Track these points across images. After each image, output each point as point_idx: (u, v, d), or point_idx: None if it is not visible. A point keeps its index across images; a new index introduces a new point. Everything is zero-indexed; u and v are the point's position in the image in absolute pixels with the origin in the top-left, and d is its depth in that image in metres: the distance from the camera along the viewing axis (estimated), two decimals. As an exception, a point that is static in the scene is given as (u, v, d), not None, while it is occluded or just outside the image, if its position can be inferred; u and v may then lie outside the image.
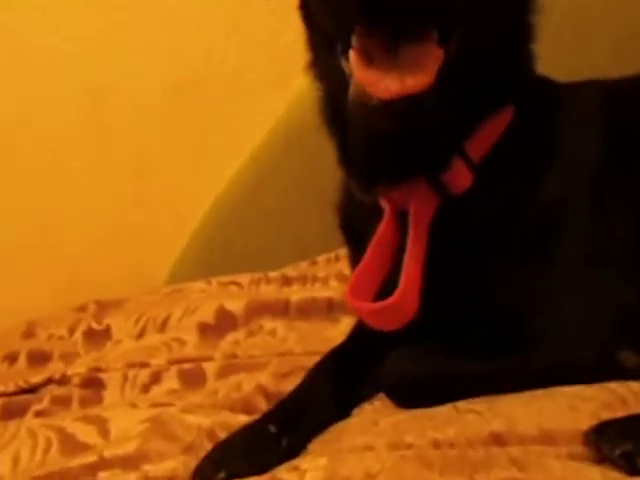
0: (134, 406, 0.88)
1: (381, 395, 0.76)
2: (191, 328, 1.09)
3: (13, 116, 1.39)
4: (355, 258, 0.80)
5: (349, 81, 0.62)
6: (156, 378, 0.96)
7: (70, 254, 1.39)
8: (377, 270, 0.72)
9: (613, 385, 0.64)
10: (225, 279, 1.23)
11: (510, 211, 0.70)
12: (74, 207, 1.38)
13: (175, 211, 1.33)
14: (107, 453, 0.74)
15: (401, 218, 0.73)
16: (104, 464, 0.72)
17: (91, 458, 0.74)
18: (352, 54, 0.61)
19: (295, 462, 0.66)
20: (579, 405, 0.61)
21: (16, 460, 0.79)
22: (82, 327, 1.21)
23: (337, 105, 0.72)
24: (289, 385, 0.84)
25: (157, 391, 0.94)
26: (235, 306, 1.10)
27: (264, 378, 0.87)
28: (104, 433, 0.81)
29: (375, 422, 0.71)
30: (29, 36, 1.34)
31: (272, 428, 0.71)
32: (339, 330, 0.98)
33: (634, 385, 0.63)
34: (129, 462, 0.72)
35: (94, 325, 1.20)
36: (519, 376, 0.68)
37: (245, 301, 1.10)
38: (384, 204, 0.75)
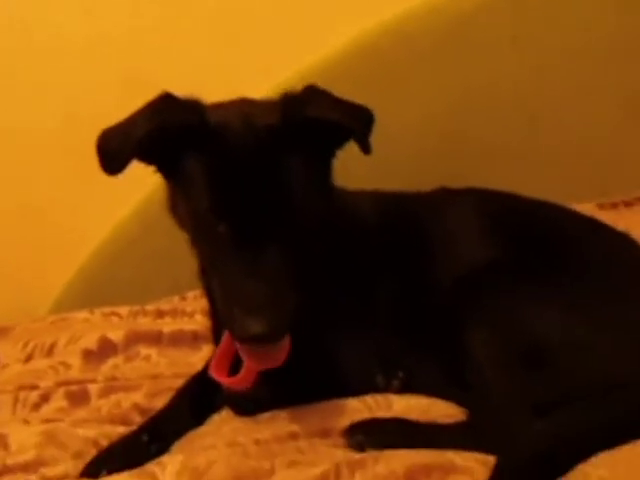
0: (27, 422, 1.07)
1: (227, 407, 1.04)
2: (76, 354, 1.29)
3: None
4: (214, 314, 1.07)
5: None
6: (45, 398, 1.15)
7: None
8: (231, 348, 0.95)
9: (368, 398, 0.98)
10: (107, 310, 1.43)
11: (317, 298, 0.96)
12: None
13: (62, 247, 1.49)
14: (9, 461, 0.94)
15: None
16: (7, 470, 0.93)
17: (-5, 466, 0.93)
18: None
19: (160, 459, 0.91)
20: (346, 412, 0.95)
21: None
22: (-32, 352, 1.35)
23: None
24: (159, 403, 1.09)
25: (47, 409, 1.12)
26: (116, 335, 1.31)
27: (139, 397, 1.11)
28: (4, 446, 0.99)
29: (219, 428, 0.99)
30: None
31: (144, 437, 0.96)
32: (200, 357, 1.24)
33: (379, 397, 0.98)
34: (29, 467, 0.93)
35: (-18, 351, 1.35)
36: (318, 393, 0.99)
37: (124, 331, 1.32)
38: None
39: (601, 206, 1.46)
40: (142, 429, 0.98)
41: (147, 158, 0.91)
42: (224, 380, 0.96)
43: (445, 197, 1.17)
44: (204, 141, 0.87)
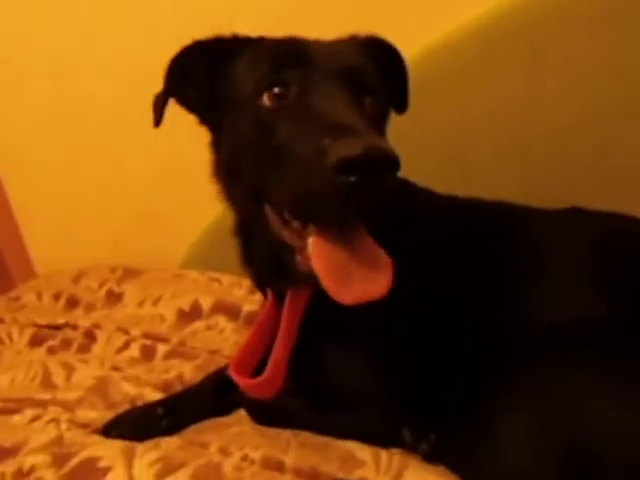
0: (102, 364, 1.19)
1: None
2: (172, 310, 1.39)
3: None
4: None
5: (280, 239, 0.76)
6: (127, 345, 1.26)
7: (114, 224, 1.74)
8: (257, 349, 0.89)
9: (383, 453, 0.84)
10: (214, 275, 1.51)
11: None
12: (123, 189, 1.70)
13: (196, 208, 1.60)
14: (59, 395, 1.06)
15: (282, 305, 0.86)
16: (53, 402, 1.04)
17: (48, 395, 1.06)
18: (313, 244, 0.70)
19: (161, 439, 0.93)
20: (349, 460, 0.83)
21: (12, 380, 1.14)
22: (107, 286, 1.55)
23: (247, 225, 0.89)
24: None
25: (123, 356, 1.23)
26: (206, 302, 1.38)
27: (188, 368, 1.14)
28: (67, 378, 1.12)
29: (229, 426, 0.96)
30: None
31: (159, 410, 0.99)
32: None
33: (397, 458, 0.83)
34: (68, 405, 1.03)
35: (115, 288, 1.54)
36: (334, 428, 0.89)
37: (214, 299, 1.38)
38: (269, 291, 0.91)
39: None
40: (161, 402, 1.01)
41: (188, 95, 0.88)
42: (243, 382, 0.87)
43: (552, 218, 0.93)
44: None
